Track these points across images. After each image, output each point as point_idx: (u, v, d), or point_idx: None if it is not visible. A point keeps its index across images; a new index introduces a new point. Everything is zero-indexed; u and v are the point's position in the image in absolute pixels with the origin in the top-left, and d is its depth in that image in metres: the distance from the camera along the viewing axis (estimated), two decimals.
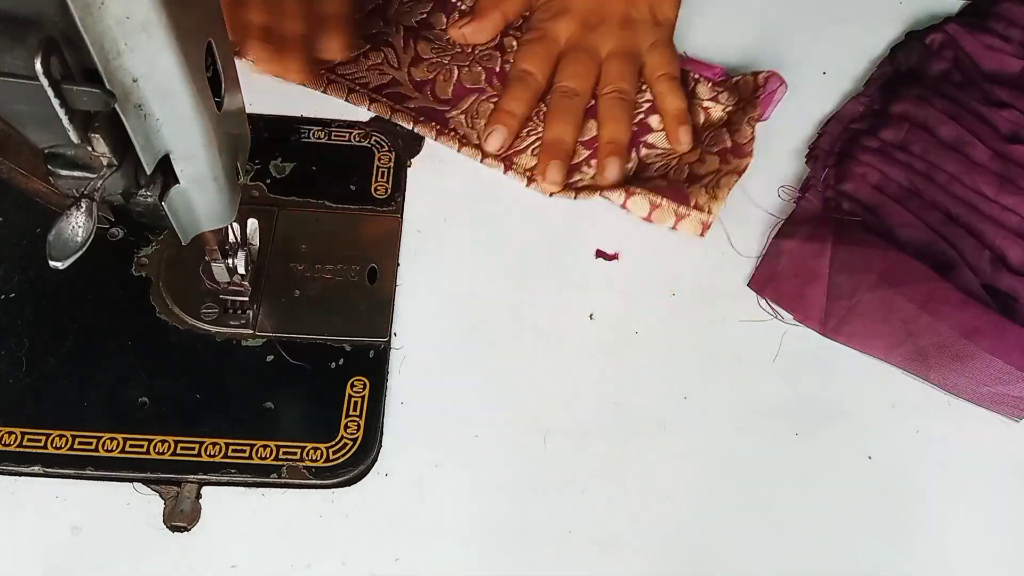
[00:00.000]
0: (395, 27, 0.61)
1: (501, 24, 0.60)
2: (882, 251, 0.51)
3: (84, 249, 0.33)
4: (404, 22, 0.61)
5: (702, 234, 0.53)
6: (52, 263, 0.33)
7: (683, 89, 0.58)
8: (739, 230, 0.54)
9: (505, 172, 0.56)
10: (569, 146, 0.56)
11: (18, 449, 0.44)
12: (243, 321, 0.48)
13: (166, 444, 0.45)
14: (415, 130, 0.56)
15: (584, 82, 0.57)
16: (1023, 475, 0.48)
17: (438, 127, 0.56)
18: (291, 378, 0.47)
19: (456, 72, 0.59)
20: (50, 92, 0.28)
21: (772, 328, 0.51)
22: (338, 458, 0.45)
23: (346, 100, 0.57)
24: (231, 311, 0.49)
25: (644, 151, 0.57)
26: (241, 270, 0.46)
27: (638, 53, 0.58)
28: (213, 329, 0.48)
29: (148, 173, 0.34)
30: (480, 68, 0.60)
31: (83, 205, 0.33)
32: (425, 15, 0.61)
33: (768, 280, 0.52)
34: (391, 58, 0.59)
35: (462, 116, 0.58)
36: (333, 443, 0.46)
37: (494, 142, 0.55)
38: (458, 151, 0.56)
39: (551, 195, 0.55)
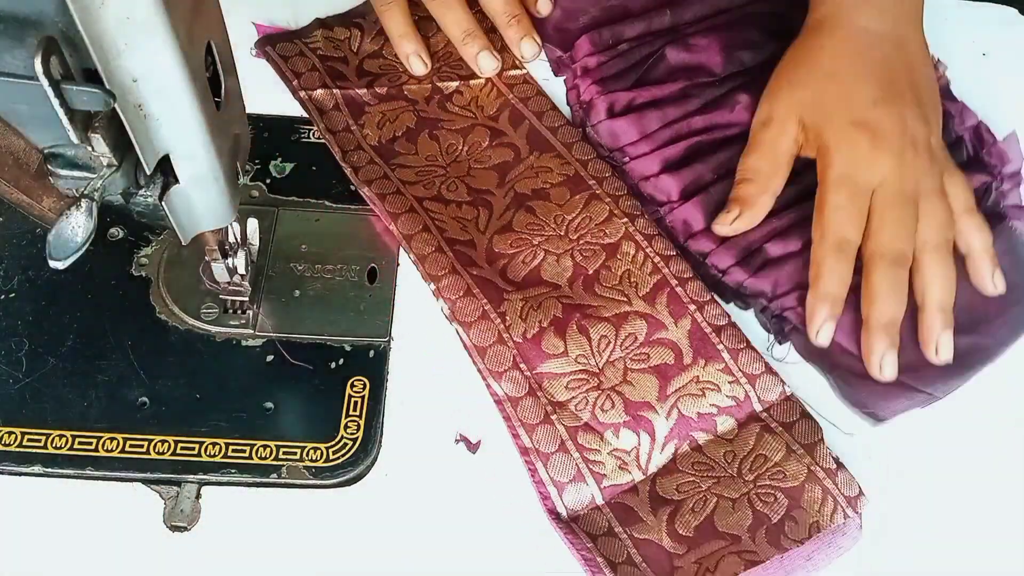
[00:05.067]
0: (507, 189, 0.54)
1: (771, 203, 0.51)
2: None
3: (84, 249, 0.33)
4: (519, 186, 0.54)
5: None
6: (52, 263, 0.33)
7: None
8: None
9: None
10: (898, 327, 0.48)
11: (18, 449, 0.44)
12: (243, 321, 0.48)
13: (166, 444, 0.45)
14: (434, 286, 0.50)
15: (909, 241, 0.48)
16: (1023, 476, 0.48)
17: (485, 304, 0.49)
18: (291, 378, 0.47)
19: (541, 256, 0.51)
20: (50, 92, 0.28)
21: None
22: (338, 458, 0.45)
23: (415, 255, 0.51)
24: (231, 311, 0.49)
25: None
26: (241, 270, 0.46)
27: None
28: (213, 329, 0.48)
29: (148, 173, 0.34)
30: (571, 263, 0.51)
31: (83, 205, 0.33)
32: (548, 187, 0.54)
33: None
34: (482, 220, 0.53)
35: (520, 302, 0.49)
36: (333, 443, 0.46)
37: (826, 335, 0.48)
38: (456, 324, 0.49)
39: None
